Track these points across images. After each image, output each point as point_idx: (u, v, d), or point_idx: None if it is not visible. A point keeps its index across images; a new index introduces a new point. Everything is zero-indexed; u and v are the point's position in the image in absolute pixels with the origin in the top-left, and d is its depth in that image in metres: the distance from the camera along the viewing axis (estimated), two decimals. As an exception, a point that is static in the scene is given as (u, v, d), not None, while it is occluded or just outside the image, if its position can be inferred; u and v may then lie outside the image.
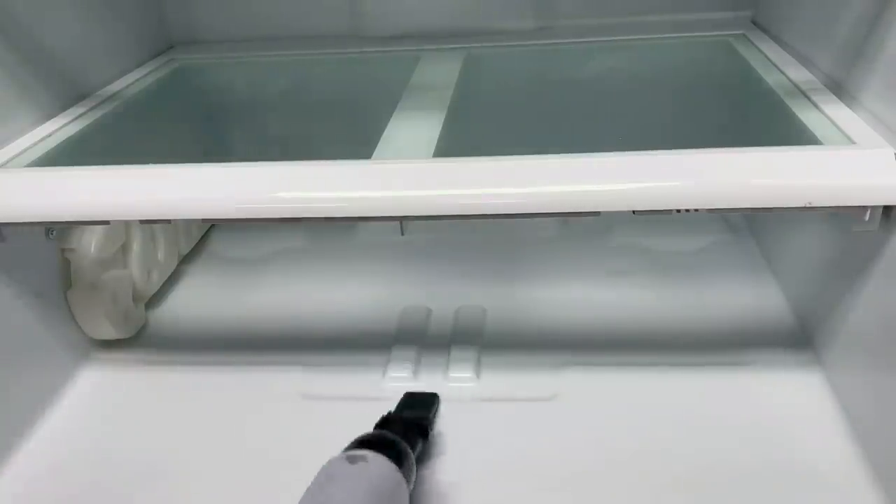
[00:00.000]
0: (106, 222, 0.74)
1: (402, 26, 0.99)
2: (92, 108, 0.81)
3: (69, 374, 0.79)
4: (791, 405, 0.69)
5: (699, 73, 0.92)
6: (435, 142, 0.65)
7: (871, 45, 0.63)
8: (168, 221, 0.65)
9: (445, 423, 0.69)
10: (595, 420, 0.69)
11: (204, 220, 0.91)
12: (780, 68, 0.77)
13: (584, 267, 0.92)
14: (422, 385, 0.74)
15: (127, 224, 0.82)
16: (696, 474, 0.62)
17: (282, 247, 1.02)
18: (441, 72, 0.85)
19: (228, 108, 1.06)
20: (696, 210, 0.56)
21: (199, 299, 0.93)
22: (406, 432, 0.59)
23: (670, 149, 0.58)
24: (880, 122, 0.60)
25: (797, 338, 0.77)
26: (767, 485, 0.61)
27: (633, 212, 0.56)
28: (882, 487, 0.59)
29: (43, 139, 0.73)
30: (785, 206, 0.54)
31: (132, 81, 0.90)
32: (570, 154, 0.58)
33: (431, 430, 0.65)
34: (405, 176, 0.59)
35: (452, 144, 0.66)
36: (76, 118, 0.78)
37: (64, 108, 0.79)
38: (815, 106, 0.66)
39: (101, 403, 0.76)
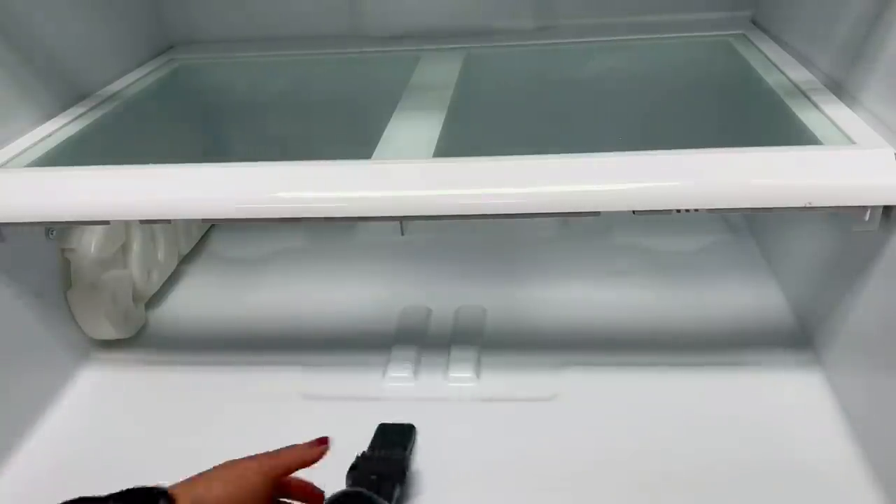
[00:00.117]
0: (106, 222, 0.74)
1: (402, 26, 0.99)
2: (92, 108, 0.81)
3: (69, 374, 0.79)
4: (791, 405, 0.69)
5: (699, 73, 0.92)
6: (435, 142, 0.65)
7: (871, 45, 0.63)
8: (168, 221, 0.65)
9: (445, 423, 0.69)
10: (595, 420, 0.69)
11: (204, 220, 0.91)
12: (780, 68, 0.77)
13: (584, 267, 0.92)
14: (422, 385, 0.75)
15: (127, 224, 0.82)
16: (696, 474, 0.62)
17: (282, 247, 1.02)
18: (441, 72, 0.85)
19: (228, 108, 1.06)
20: (696, 210, 0.56)
21: (199, 299, 0.93)
22: (381, 483, 0.58)
23: (670, 149, 0.58)
24: (880, 122, 0.60)
25: (797, 338, 0.77)
26: (767, 484, 0.61)
27: (633, 212, 0.56)
28: (882, 487, 0.59)
29: (43, 139, 0.73)
30: (785, 206, 0.54)
31: (132, 81, 0.90)
32: (570, 154, 0.58)
33: (409, 469, 0.62)
34: (405, 176, 0.59)
35: (452, 144, 0.66)
36: (76, 118, 0.78)
37: (64, 108, 0.79)
38: (815, 106, 0.66)
39: (101, 403, 0.76)
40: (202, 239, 1.04)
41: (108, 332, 0.80)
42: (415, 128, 0.69)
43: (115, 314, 0.80)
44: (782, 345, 0.76)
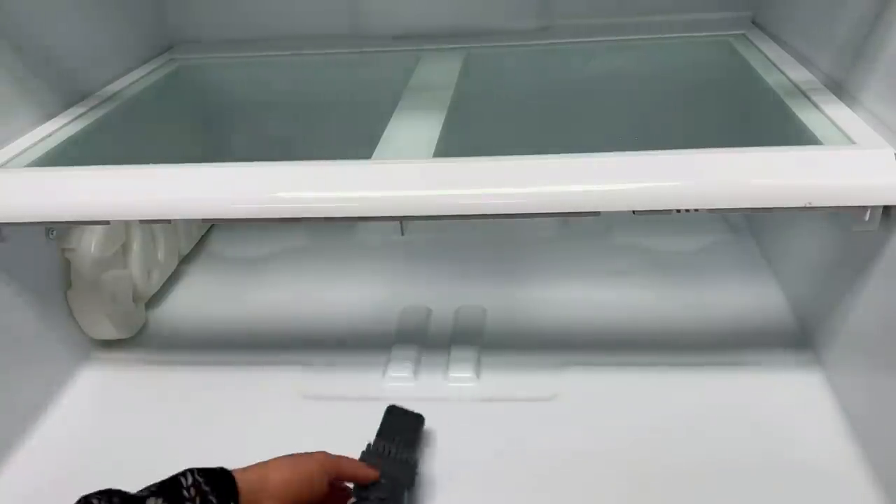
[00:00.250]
0: (106, 222, 0.74)
1: (402, 26, 0.99)
2: (92, 108, 0.81)
3: (69, 374, 0.79)
4: (791, 405, 0.69)
5: (699, 73, 0.92)
6: (435, 142, 0.65)
7: (870, 45, 0.63)
8: (168, 221, 0.65)
9: (445, 423, 0.69)
10: (595, 420, 0.69)
11: (204, 220, 0.91)
12: (780, 68, 0.77)
13: (584, 267, 0.92)
14: (422, 385, 0.74)
15: (127, 224, 0.82)
16: (696, 473, 0.62)
17: (282, 247, 1.02)
18: (441, 72, 0.85)
19: (228, 108, 1.06)
20: (696, 210, 0.56)
21: (199, 299, 0.93)
22: (394, 488, 0.57)
23: (670, 149, 0.58)
24: (880, 122, 0.60)
25: (797, 338, 0.77)
26: (767, 484, 0.61)
27: (633, 212, 0.56)
28: (882, 487, 0.59)
29: (43, 139, 0.73)
30: (785, 206, 0.54)
31: (132, 81, 0.90)
32: (570, 154, 0.58)
33: (418, 472, 0.61)
34: (405, 176, 0.59)
35: (452, 144, 0.66)
36: (76, 118, 0.78)
37: (64, 107, 0.79)
38: (815, 106, 0.67)
39: (102, 403, 0.76)
40: (202, 239, 1.04)
41: (108, 332, 0.80)
42: (415, 128, 0.69)
43: (115, 314, 0.80)
44: (782, 345, 0.76)
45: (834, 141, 0.60)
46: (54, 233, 0.72)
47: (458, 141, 0.68)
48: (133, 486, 0.45)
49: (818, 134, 0.62)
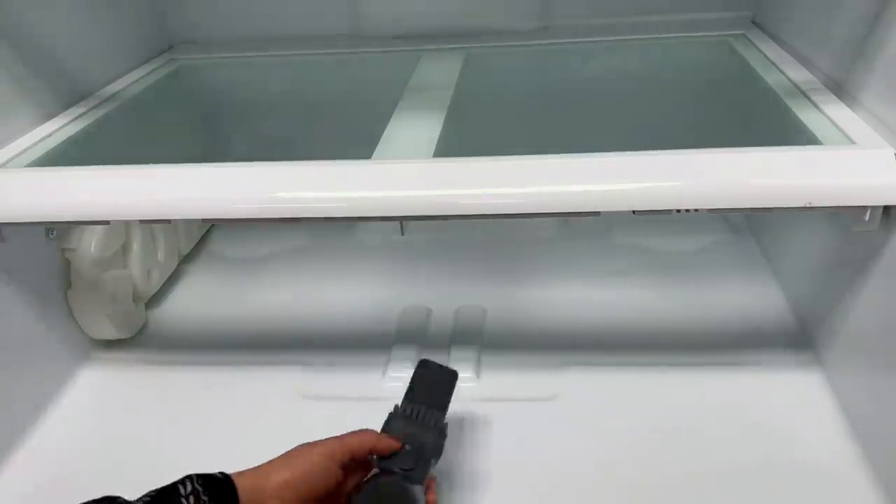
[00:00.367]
0: (106, 222, 0.74)
1: (402, 26, 0.99)
2: (92, 108, 0.81)
3: (69, 374, 0.79)
4: (791, 405, 0.69)
5: (699, 73, 0.92)
6: (435, 142, 0.65)
7: (870, 45, 0.63)
8: (168, 221, 0.65)
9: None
10: (595, 420, 0.69)
11: (204, 220, 0.91)
12: (780, 68, 0.77)
13: (584, 267, 0.92)
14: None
15: (127, 224, 0.82)
16: (696, 473, 0.62)
17: (282, 247, 1.02)
18: (441, 72, 0.85)
19: (228, 108, 1.05)
20: (696, 210, 0.56)
21: (199, 299, 0.93)
22: (418, 456, 0.55)
23: (670, 149, 0.58)
24: (880, 122, 0.60)
25: (797, 338, 0.77)
26: (768, 484, 0.61)
27: (633, 212, 0.56)
28: (882, 487, 0.59)
29: (43, 139, 0.73)
30: (785, 206, 0.54)
31: (132, 81, 0.90)
32: (570, 154, 0.58)
33: (446, 437, 0.59)
34: (405, 176, 0.59)
35: (452, 144, 0.66)
36: (76, 118, 0.78)
37: (64, 107, 0.79)
38: (815, 106, 0.67)
39: (102, 403, 0.76)
40: (202, 239, 1.04)
41: (108, 332, 0.80)
42: (415, 128, 0.69)
43: (115, 314, 0.80)
44: (782, 345, 0.76)
45: (834, 141, 0.60)
46: (54, 233, 0.72)
47: (458, 141, 0.68)
48: (133, 486, 0.45)
49: (818, 134, 0.62)
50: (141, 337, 0.85)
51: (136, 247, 0.85)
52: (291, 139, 1.00)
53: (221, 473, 0.47)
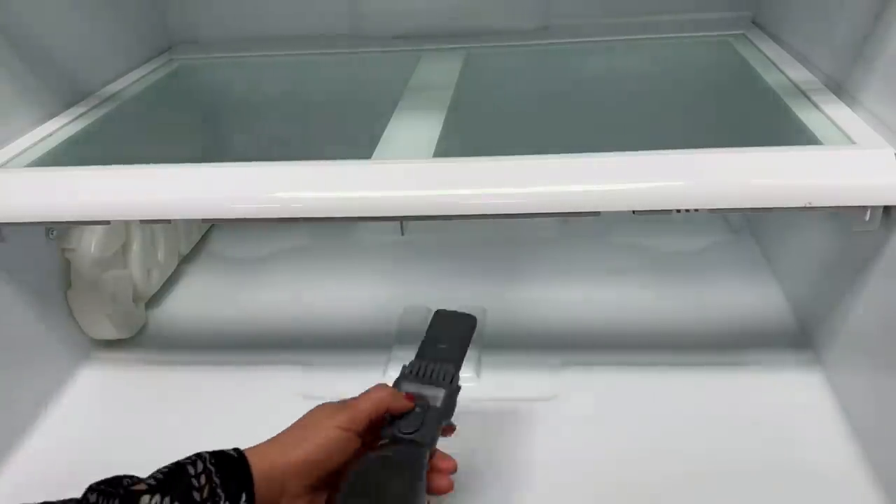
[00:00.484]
0: (106, 222, 0.74)
1: (402, 26, 0.99)
2: (92, 108, 0.81)
3: (69, 374, 0.79)
4: (791, 405, 0.69)
5: (699, 73, 0.92)
6: (435, 142, 0.65)
7: (870, 44, 0.63)
8: (168, 221, 0.65)
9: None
10: (595, 420, 0.69)
11: (204, 220, 0.91)
12: (780, 68, 0.77)
13: (584, 267, 0.92)
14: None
15: (127, 224, 0.82)
16: (696, 473, 0.62)
17: (282, 247, 1.02)
18: (441, 72, 0.85)
19: (228, 108, 1.06)
20: (696, 210, 0.56)
21: (199, 299, 0.93)
22: (424, 417, 0.52)
23: (670, 149, 0.58)
24: (880, 122, 0.60)
25: (797, 338, 0.77)
26: (767, 484, 0.61)
27: (633, 212, 0.56)
28: (882, 487, 0.59)
29: (43, 139, 0.73)
30: (785, 206, 0.54)
31: (132, 81, 0.90)
32: (570, 154, 0.58)
33: (458, 388, 0.55)
34: (405, 176, 0.59)
35: (452, 144, 0.66)
36: (76, 118, 0.78)
37: (64, 107, 0.79)
38: (815, 106, 0.67)
39: (102, 402, 0.76)
40: (202, 239, 1.04)
41: (108, 332, 0.80)
42: (415, 128, 0.69)
43: (115, 314, 0.79)
44: (782, 345, 0.76)
45: (834, 141, 0.60)
46: (54, 233, 0.72)
47: (458, 141, 0.68)
48: (133, 486, 0.45)
49: (818, 134, 0.62)
50: (141, 337, 0.85)
51: (136, 247, 0.85)
52: (291, 139, 1.00)
53: (235, 450, 0.46)
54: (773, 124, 0.73)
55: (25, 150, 0.70)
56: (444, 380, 0.55)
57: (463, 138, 0.71)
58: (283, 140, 1.01)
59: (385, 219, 0.59)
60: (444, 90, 0.78)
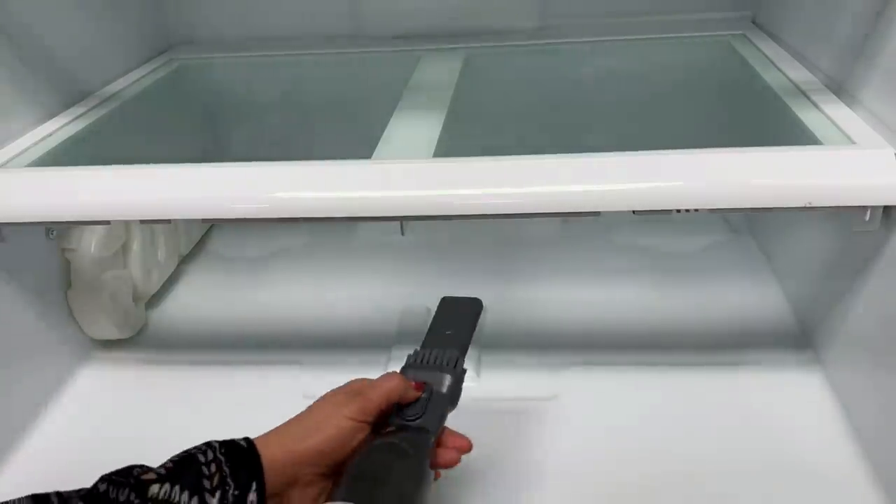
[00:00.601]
0: (106, 222, 0.74)
1: (402, 26, 0.99)
2: (92, 108, 0.81)
3: (69, 374, 0.79)
4: (791, 405, 0.69)
5: (699, 73, 0.92)
6: (435, 142, 0.65)
7: (870, 44, 0.63)
8: (168, 221, 0.65)
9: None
10: (595, 420, 0.69)
11: (204, 220, 0.91)
12: (780, 68, 0.77)
13: (584, 267, 0.92)
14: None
15: (127, 224, 0.82)
16: (696, 473, 0.62)
17: (282, 247, 1.02)
18: (441, 72, 0.85)
19: (228, 108, 1.06)
20: (696, 210, 0.56)
21: (199, 299, 0.93)
22: (428, 406, 0.52)
23: (670, 149, 0.58)
24: (880, 122, 0.60)
25: (797, 338, 0.77)
26: (767, 484, 0.61)
27: (633, 212, 0.56)
28: (882, 486, 0.59)
29: (43, 139, 0.73)
30: (785, 206, 0.54)
31: (132, 81, 0.90)
32: (569, 154, 0.58)
33: (463, 372, 0.55)
34: (405, 176, 0.59)
35: (452, 144, 0.66)
36: (76, 118, 0.78)
37: (64, 107, 0.79)
38: (815, 106, 0.66)
39: (101, 402, 0.76)
40: (202, 239, 1.04)
41: (108, 332, 0.80)
42: (415, 128, 0.69)
43: (115, 314, 0.79)
44: (782, 345, 0.76)
45: (834, 141, 0.60)
46: (54, 233, 0.72)
47: (458, 141, 0.68)
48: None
49: (818, 134, 0.62)
50: (141, 337, 0.85)
51: (136, 247, 0.85)
52: (291, 139, 1.00)
53: (245, 440, 0.46)
54: (772, 124, 0.73)
55: (25, 150, 0.70)
56: (448, 365, 0.55)
57: (463, 138, 0.71)
58: (283, 140, 1.01)
59: (385, 219, 0.59)
60: (444, 90, 0.78)
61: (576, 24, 0.97)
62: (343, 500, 0.43)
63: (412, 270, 0.94)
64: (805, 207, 0.54)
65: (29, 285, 0.72)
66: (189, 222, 0.99)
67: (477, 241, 0.99)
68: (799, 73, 0.74)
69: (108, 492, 0.41)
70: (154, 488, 0.41)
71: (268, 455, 0.45)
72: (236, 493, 0.43)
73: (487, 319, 0.83)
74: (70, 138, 0.74)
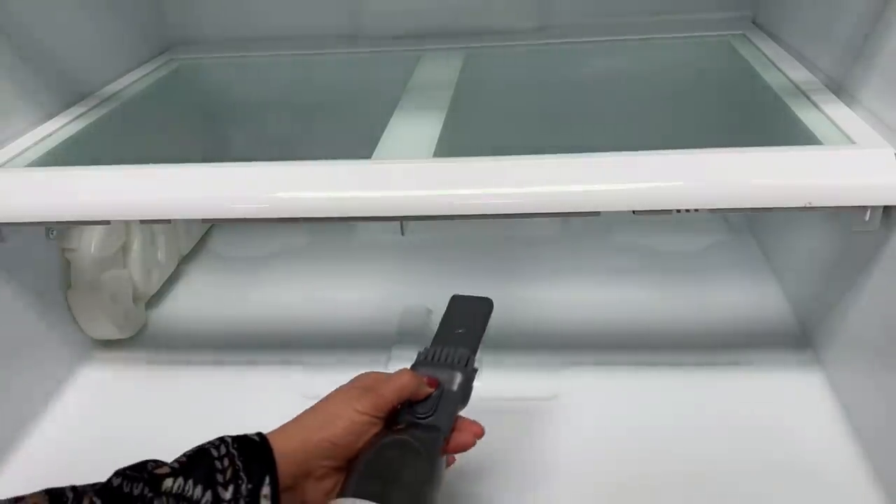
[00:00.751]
0: (106, 222, 0.74)
1: (402, 26, 0.99)
2: (92, 108, 0.81)
3: (70, 373, 0.79)
4: (791, 405, 0.69)
5: (699, 73, 0.92)
6: (435, 142, 0.65)
7: (870, 44, 0.63)
8: (168, 221, 0.65)
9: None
10: (595, 420, 0.69)
11: (204, 220, 0.91)
12: (780, 68, 0.77)
13: (584, 267, 0.92)
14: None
15: (127, 224, 0.82)
16: (696, 473, 0.62)
17: (282, 247, 1.02)
18: (441, 72, 0.85)
19: (228, 108, 1.06)
20: (696, 210, 0.56)
21: (199, 299, 0.93)
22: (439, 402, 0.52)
23: (670, 149, 0.58)
24: (880, 122, 0.60)
25: (797, 338, 0.77)
26: (767, 484, 0.61)
27: (633, 212, 0.56)
28: (882, 486, 0.59)
29: (43, 139, 0.73)
30: (785, 206, 0.54)
31: (132, 81, 0.90)
32: (569, 154, 0.58)
33: (476, 372, 0.55)
34: (405, 176, 0.59)
35: (452, 144, 0.66)
36: (76, 118, 0.78)
37: (64, 107, 0.79)
38: (815, 106, 0.66)
39: (102, 402, 0.76)
40: (202, 239, 1.04)
41: (108, 332, 0.80)
42: (415, 128, 0.69)
43: (115, 314, 0.80)
44: (782, 345, 0.76)
45: (834, 141, 0.60)
46: (54, 233, 0.72)
47: (458, 141, 0.68)
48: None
49: (818, 134, 0.62)
50: (141, 337, 0.85)
51: (136, 247, 0.85)
52: (291, 139, 1.00)
53: (258, 434, 0.46)
54: (772, 124, 0.73)
55: (25, 150, 0.70)
56: (459, 363, 0.55)
57: (463, 138, 0.71)
58: (283, 140, 1.01)
59: (385, 219, 0.59)
60: (444, 90, 0.78)
61: (576, 24, 0.97)
62: (353, 495, 0.44)
63: (412, 270, 0.94)
64: (805, 207, 0.54)
65: (29, 285, 0.72)
66: (189, 222, 0.99)
67: (477, 241, 0.99)
68: (799, 73, 0.74)
69: (122, 486, 0.41)
70: (168, 482, 0.41)
71: (281, 448, 0.46)
72: (249, 486, 0.43)
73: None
74: (70, 138, 0.74)
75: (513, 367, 0.76)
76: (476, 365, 0.56)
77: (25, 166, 0.68)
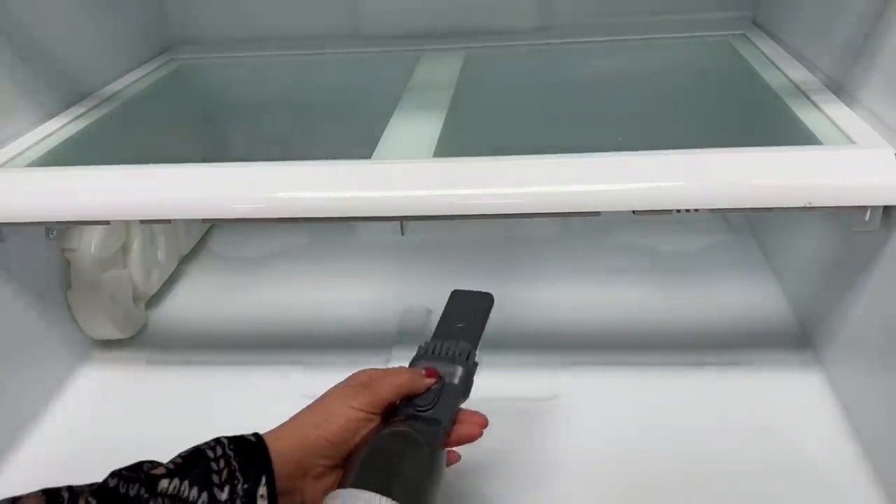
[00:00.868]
0: (106, 222, 0.74)
1: (402, 26, 0.99)
2: (92, 108, 0.81)
3: (69, 374, 0.79)
4: (791, 405, 0.69)
5: (699, 73, 0.92)
6: (435, 142, 0.65)
7: (870, 44, 0.63)
8: (168, 221, 0.65)
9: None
10: (595, 420, 0.69)
11: (204, 220, 0.91)
12: (781, 68, 0.77)
13: (584, 267, 0.92)
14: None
15: (127, 224, 0.82)
16: (697, 473, 0.62)
17: (282, 247, 1.02)
18: (441, 72, 0.85)
19: (228, 108, 1.05)
20: (697, 210, 0.56)
21: (199, 299, 0.93)
22: (440, 397, 0.52)
23: (670, 149, 0.58)
24: (880, 122, 0.60)
25: (797, 338, 0.77)
26: (768, 484, 0.61)
27: (633, 212, 0.56)
28: (882, 486, 0.59)
29: (43, 139, 0.73)
30: (785, 206, 0.54)
31: (132, 81, 0.90)
32: (569, 154, 0.58)
33: (476, 366, 0.55)
34: (405, 176, 0.59)
35: (452, 144, 0.66)
36: (76, 118, 0.78)
37: (64, 107, 0.79)
38: (815, 105, 0.67)
39: (101, 402, 0.76)
40: (202, 239, 1.04)
41: (108, 332, 0.80)
42: (415, 128, 0.69)
43: (115, 314, 0.80)
44: (782, 345, 0.76)
45: (834, 141, 0.60)
46: (54, 233, 0.72)
47: (458, 141, 0.68)
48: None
49: (818, 134, 0.62)
50: (141, 337, 0.85)
51: (136, 247, 0.85)
52: (291, 139, 0.99)
53: (254, 435, 0.46)
54: (772, 124, 0.73)
55: (25, 150, 0.70)
56: (460, 357, 0.55)
57: (463, 138, 0.71)
58: (283, 140, 1.00)
59: (385, 219, 0.59)
60: (444, 90, 0.78)
61: (576, 24, 0.97)
62: (353, 486, 0.43)
63: (412, 270, 0.94)
64: (805, 207, 0.54)
65: (29, 285, 0.72)
66: (189, 222, 0.99)
67: (477, 241, 0.99)
68: (799, 73, 0.74)
69: (119, 486, 0.41)
70: (163, 483, 0.41)
71: (277, 447, 0.45)
72: (246, 486, 0.43)
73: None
74: (70, 138, 0.74)
75: (513, 367, 0.76)
76: (477, 359, 0.56)
77: (25, 166, 0.68)
